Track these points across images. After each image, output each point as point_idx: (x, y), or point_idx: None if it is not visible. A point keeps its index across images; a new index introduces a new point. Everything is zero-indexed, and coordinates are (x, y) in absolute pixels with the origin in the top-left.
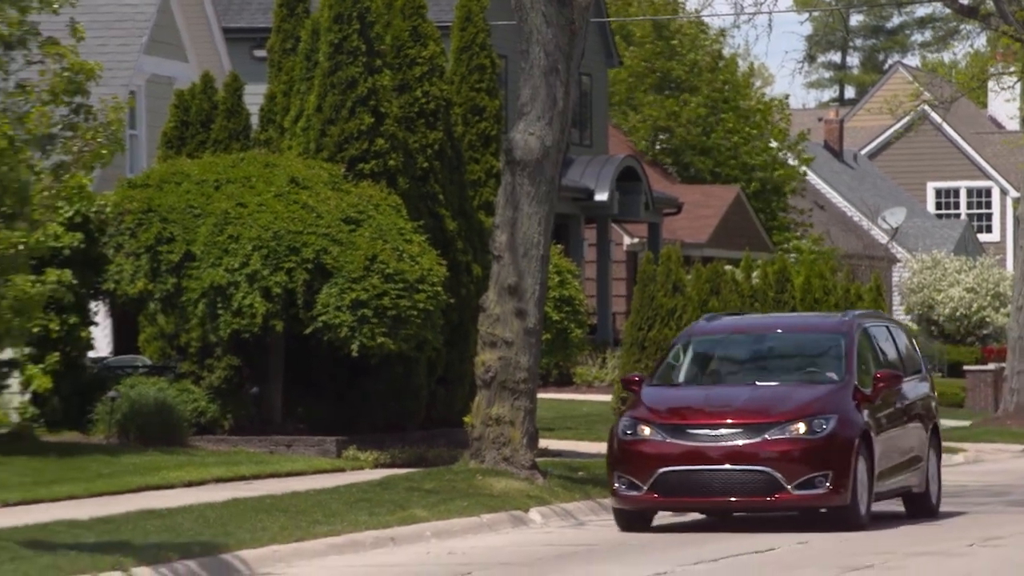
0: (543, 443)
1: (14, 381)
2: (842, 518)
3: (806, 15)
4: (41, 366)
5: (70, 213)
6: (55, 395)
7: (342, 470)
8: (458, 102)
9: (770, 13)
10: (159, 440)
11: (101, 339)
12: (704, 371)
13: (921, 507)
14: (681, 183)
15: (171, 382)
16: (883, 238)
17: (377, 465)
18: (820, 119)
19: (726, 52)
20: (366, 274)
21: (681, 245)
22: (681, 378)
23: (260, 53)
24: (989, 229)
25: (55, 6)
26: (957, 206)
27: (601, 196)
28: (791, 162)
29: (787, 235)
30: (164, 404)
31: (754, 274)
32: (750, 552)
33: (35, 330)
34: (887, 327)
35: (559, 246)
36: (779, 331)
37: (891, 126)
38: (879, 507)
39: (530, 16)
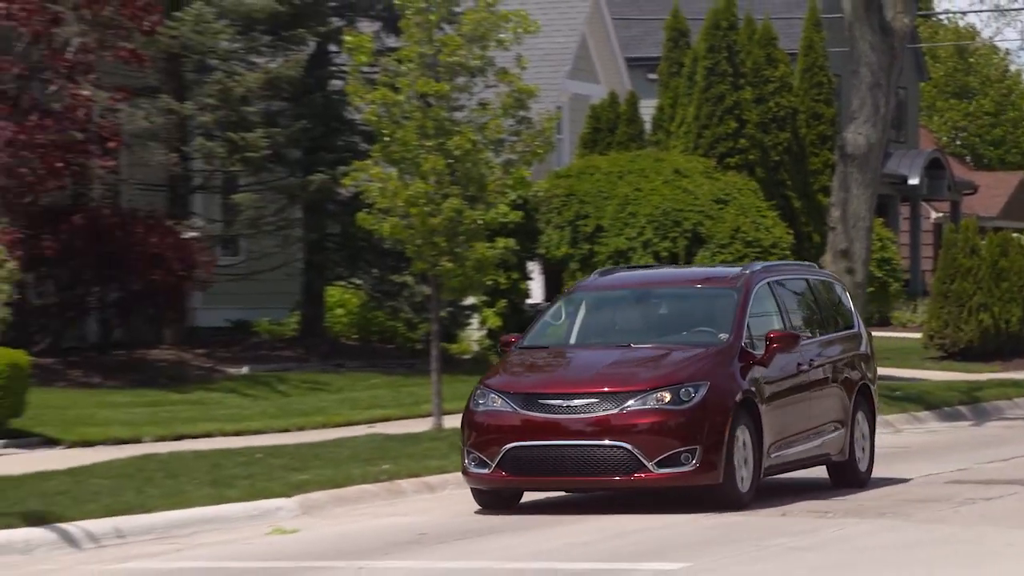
0: None
1: (474, 321)
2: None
3: None
4: (493, 310)
5: (513, 197)
6: (503, 331)
7: None
8: (802, 110)
9: None
10: None
11: (535, 290)
12: (583, 332)
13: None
14: (976, 170)
15: None
16: None
17: None
18: None
19: (1012, 68)
20: (731, 241)
21: (977, 218)
22: (557, 340)
23: (652, 76)
24: None
25: (506, 44)
26: None
27: (913, 181)
28: None
29: None
30: None
31: None
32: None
33: (489, 283)
34: (807, 280)
35: (880, 219)
36: (669, 287)
37: None
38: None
39: (859, 44)
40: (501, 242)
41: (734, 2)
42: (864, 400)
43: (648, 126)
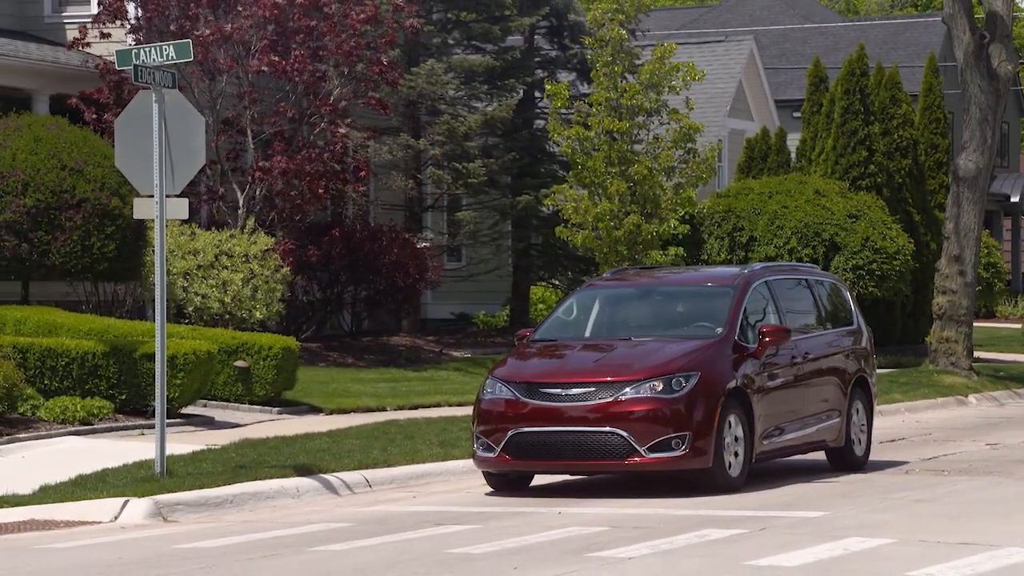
0: (976, 354)
1: None
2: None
3: None
4: None
5: (682, 213)
6: None
7: None
8: (921, 141)
9: None
10: None
11: None
12: (591, 326)
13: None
14: None
15: None
16: None
17: None
18: None
19: None
20: (862, 249)
21: None
22: (566, 334)
23: (796, 114)
24: None
25: (677, 90)
26: None
27: (1014, 198)
28: None
29: None
30: None
31: None
32: None
33: None
34: (806, 281)
35: (987, 230)
36: (674, 286)
37: None
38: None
39: (970, 87)
40: (672, 250)
41: (865, 54)
42: (861, 391)
43: (793, 155)
